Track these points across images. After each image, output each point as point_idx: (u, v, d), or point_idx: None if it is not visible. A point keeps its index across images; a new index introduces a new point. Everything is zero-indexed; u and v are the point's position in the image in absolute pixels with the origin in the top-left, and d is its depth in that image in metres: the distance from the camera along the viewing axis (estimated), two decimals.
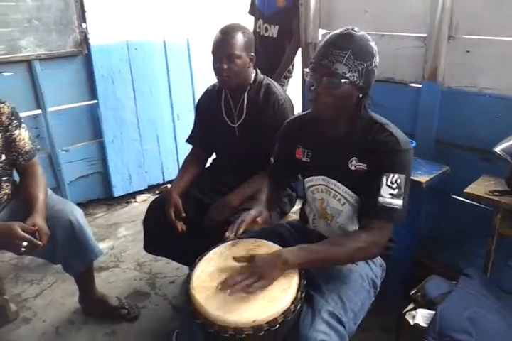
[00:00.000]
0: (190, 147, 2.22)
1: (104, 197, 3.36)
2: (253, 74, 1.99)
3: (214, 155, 2.27)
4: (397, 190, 1.34)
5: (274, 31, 2.83)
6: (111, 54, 3.00)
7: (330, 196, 1.52)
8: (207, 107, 2.11)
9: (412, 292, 1.71)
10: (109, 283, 2.40)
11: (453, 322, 1.48)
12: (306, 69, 1.37)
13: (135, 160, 3.37)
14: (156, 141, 3.45)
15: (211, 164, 2.27)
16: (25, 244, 1.67)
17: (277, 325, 1.21)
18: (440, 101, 2.17)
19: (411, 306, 1.67)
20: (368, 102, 1.42)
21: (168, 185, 3.43)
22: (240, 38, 1.87)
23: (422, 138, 2.22)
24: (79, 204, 3.09)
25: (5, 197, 1.93)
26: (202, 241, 1.59)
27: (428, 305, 1.61)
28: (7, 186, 1.94)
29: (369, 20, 2.42)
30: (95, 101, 3.08)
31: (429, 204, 2.25)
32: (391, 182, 1.35)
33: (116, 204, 3.33)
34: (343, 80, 1.30)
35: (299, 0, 2.64)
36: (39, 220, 1.75)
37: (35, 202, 1.82)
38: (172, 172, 3.54)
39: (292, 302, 1.26)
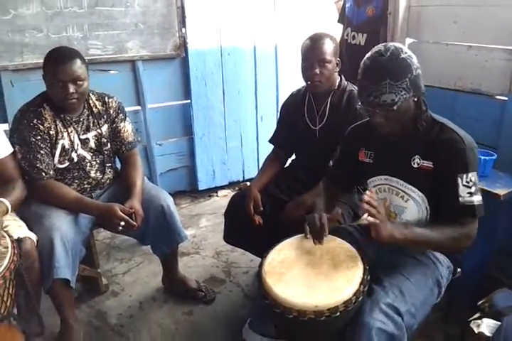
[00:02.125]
0: (271, 147, 2.32)
1: (189, 189, 3.55)
2: (338, 80, 2.05)
3: (293, 156, 2.34)
4: (473, 188, 1.40)
5: (361, 39, 2.85)
6: (205, 58, 3.17)
7: (393, 194, 1.55)
8: (290, 110, 2.20)
9: (480, 302, 1.69)
10: (189, 268, 2.55)
11: None
12: (358, 107, 1.47)
13: (219, 157, 3.52)
14: (239, 140, 3.58)
15: (290, 164, 2.34)
16: (122, 223, 1.85)
17: (338, 313, 1.28)
18: None
19: (477, 315, 1.66)
20: (424, 100, 1.45)
21: (248, 183, 3.54)
22: (329, 44, 1.94)
23: (504, 151, 2.16)
24: None
25: (107, 181, 2.14)
26: (276, 235, 1.66)
27: (494, 315, 1.60)
28: (110, 171, 2.14)
29: (457, 31, 2.39)
30: (189, 100, 3.26)
31: (507, 217, 2.18)
32: (466, 182, 1.39)
33: (199, 197, 3.50)
34: (394, 107, 1.35)
35: (388, 9, 2.66)
36: (136, 204, 1.93)
37: (133, 188, 2.00)
38: (252, 171, 3.64)
39: (354, 294, 1.32)
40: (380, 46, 1.41)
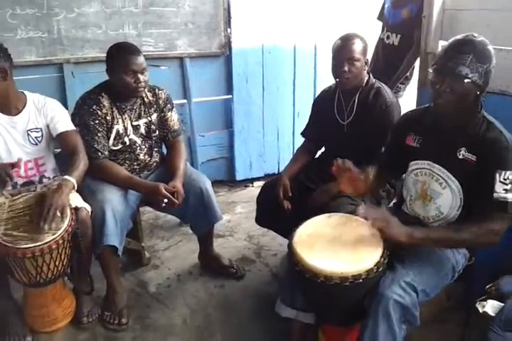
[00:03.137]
0: None
1: (227, 179, 3.71)
2: (366, 78, 2.14)
3: (323, 148, 2.44)
4: (510, 185, 1.45)
5: (395, 40, 2.93)
6: (248, 56, 3.32)
7: (432, 179, 1.62)
8: (321, 106, 2.31)
9: (488, 286, 1.75)
10: (224, 248, 2.71)
11: None
12: (430, 70, 1.50)
13: (256, 150, 3.66)
14: (276, 135, 3.71)
15: (320, 156, 2.45)
16: (165, 200, 2.03)
17: (360, 280, 1.40)
18: None
19: (483, 297, 1.73)
20: (483, 99, 1.52)
21: None
22: (358, 43, 2.03)
23: None
24: None
25: (154, 164, 2.34)
26: (303, 220, 1.74)
27: (499, 297, 1.64)
28: (157, 155, 2.34)
29: (489, 34, 2.42)
30: (230, 96, 3.42)
31: None
32: (504, 179, 1.45)
33: (236, 187, 3.65)
34: (466, 80, 1.41)
35: (423, 12, 2.73)
36: (178, 184, 2.10)
37: (176, 170, 2.18)
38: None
39: (375, 265, 1.43)
40: (472, 33, 1.49)
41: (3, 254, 1.67)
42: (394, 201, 2.02)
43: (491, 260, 2.09)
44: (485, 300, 1.69)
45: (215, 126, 3.51)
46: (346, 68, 2.01)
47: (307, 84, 3.64)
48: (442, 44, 2.72)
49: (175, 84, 3.18)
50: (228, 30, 3.18)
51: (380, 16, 3.13)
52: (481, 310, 1.64)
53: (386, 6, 3.04)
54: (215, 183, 3.64)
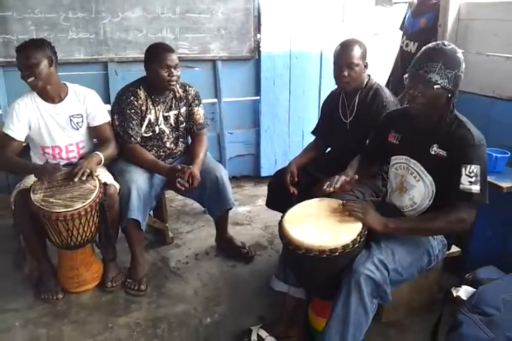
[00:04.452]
0: None
1: (253, 174, 3.89)
2: (366, 80, 2.24)
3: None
4: (474, 178, 1.58)
5: (412, 47, 3.04)
6: (276, 60, 3.51)
7: (408, 173, 1.78)
8: (328, 106, 2.45)
9: (467, 275, 1.86)
10: (241, 234, 2.88)
11: (488, 298, 1.61)
12: (405, 76, 1.66)
13: (281, 149, 3.82)
14: (301, 136, 3.86)
15: (329, 151, 2.59)
16: (179, 179, 2.20)
17: (337, 253, 1.55)
18: None
19: (459, 284, 1.83)
20: (455, 100, 1.65)
21: None
22: (357, 49, 2.12)
23: None
24: (234, 177, 3.73)
25: (179, 152, 2.56)
26: None
27: (474, 284, 1.75)
28: (182, 145, 2.57)
29: (498, 43, 2.53)
30: (258, 97, 3.62)
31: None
32: (469, 172, 1.58)
33: (261, 182, 3.81)
34: (435, 86, 1.56)
35: (438, 21, 2.84)
36: (196, 170, 2.30)
37: (196, 158, 2.39)
38: None
39: (352, 241, 1.57)
40: (443, 41, 1.65)
41: (41, 217, 1.93)
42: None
43: (483, 253, 2.19)
44: (460, 286, 1.80)
45: (243, 125, 3.71)
46: (346, 73, 2.11)
47: (332, 89, 3.78)
48: None
49: (207, 84, 3.41)
50: (258, 35, 3.38)
51: (402, 26, 3.26)
52: (454, 294, 1.76)
53: (407, 15, 3.17)
54: (242, 178, 3.87)
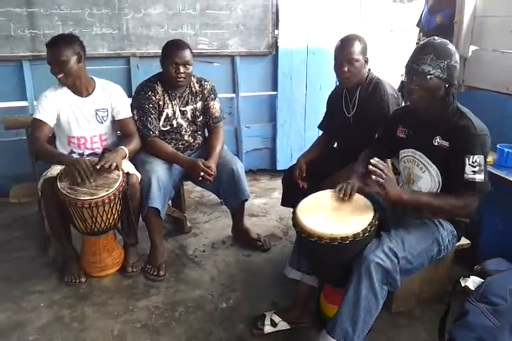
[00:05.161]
0: None
1: (269, 168, 3.95)
2: (366, 74, 2.24)
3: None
4: (477, 168, 1.62)
5: None
6: (293, 56, 3.56)
7: (415, 165, 1.83)
8: (333, 101, 2.48)
9: (476, 266, 1.89)
10: (256, 225, 2.95)
11: (495, 289, 1.62)
12: (402, 72, 1.71)
13: (297, 143, 3.87)
14: (317, 131, 3.82)
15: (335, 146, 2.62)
16: (202, 174, 2.30)
17: (347, 241, 1.60)
18: None
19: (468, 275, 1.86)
20: (455, 91, 1.69)
21: None
22: (357, 45, 2.12)
23: None
24: (250, 171, 3.80)
25: (197, 145, 2.63)
26: None
27: (482, 275, 1.77)
28: (199, 138, 2.63)
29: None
30: (275, 92, 3.67)
31: None
32: (472, 162, 1.63)
33: (276, 175, 3.86)
34: (428, 76, 1.62)
35: (455, 19, 2.85)
36: (212, 163, 2.37)
37: (213, 151, 2.46)
38: None
39: (362, 230, 1.62)
40: (434, 37, 1.71)
41: (67, 204, 2.02)
42: None
43: (494, 246, 2.21)
44: (468, 276, 1.83)
45: (259, 119, 3.77)
46: (346, 68, 2.12)
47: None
48: (473, 49, 2.84)
49: (225, 79, 3.48)
50: (276, 31, 3.43)
51: (418, 23, 3.27)
52: (463, 284, 1.78)
53: (424, 12, 3.18)
54: (259, 171, 3.93)
